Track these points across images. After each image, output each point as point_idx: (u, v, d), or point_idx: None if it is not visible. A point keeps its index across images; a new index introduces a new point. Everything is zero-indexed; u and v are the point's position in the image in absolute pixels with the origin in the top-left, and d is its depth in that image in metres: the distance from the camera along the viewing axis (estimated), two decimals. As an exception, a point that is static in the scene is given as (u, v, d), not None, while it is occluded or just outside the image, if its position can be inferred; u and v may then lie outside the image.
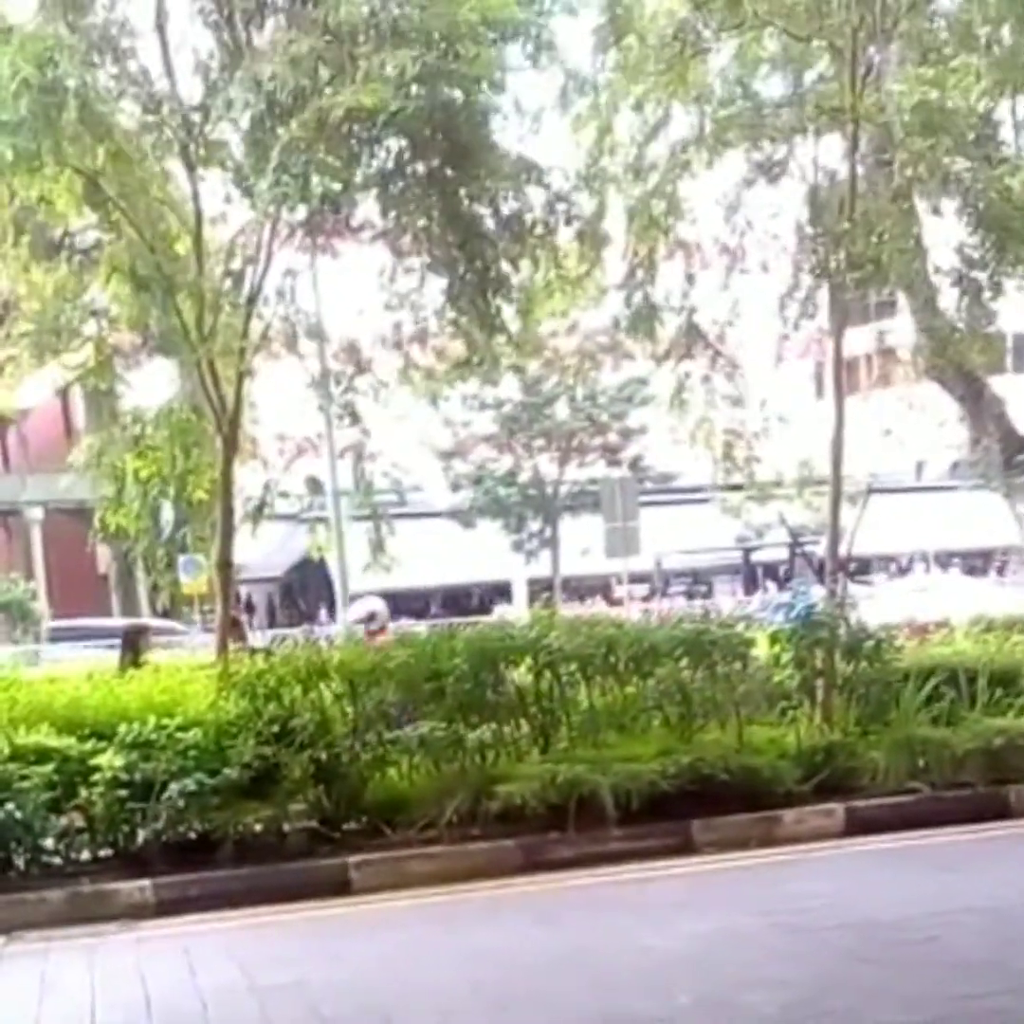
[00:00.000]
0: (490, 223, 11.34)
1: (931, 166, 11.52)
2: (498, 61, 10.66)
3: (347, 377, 12.28)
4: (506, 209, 11.36)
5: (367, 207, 11.53)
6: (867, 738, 10.26)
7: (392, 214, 11.43)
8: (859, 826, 9.49)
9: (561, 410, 35.81)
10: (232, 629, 11.78)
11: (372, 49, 10.05)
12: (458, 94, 10.47)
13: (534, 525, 36.99)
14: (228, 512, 11.27)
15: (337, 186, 10.69)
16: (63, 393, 30.76)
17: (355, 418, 12.51)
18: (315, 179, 10.23)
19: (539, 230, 11.56)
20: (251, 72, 9.98)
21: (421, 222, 11.39)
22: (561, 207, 11.68)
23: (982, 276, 13.70)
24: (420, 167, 11.00)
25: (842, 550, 11.60)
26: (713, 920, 7.48)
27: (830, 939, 7.01)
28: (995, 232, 12.81)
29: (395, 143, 10.83)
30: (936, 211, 13.13)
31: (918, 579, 35.16)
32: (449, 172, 10.92)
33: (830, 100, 11.80)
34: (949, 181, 12.26)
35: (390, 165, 10.99)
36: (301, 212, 10.80)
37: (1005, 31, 11.65)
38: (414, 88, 9.91)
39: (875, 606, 23.57)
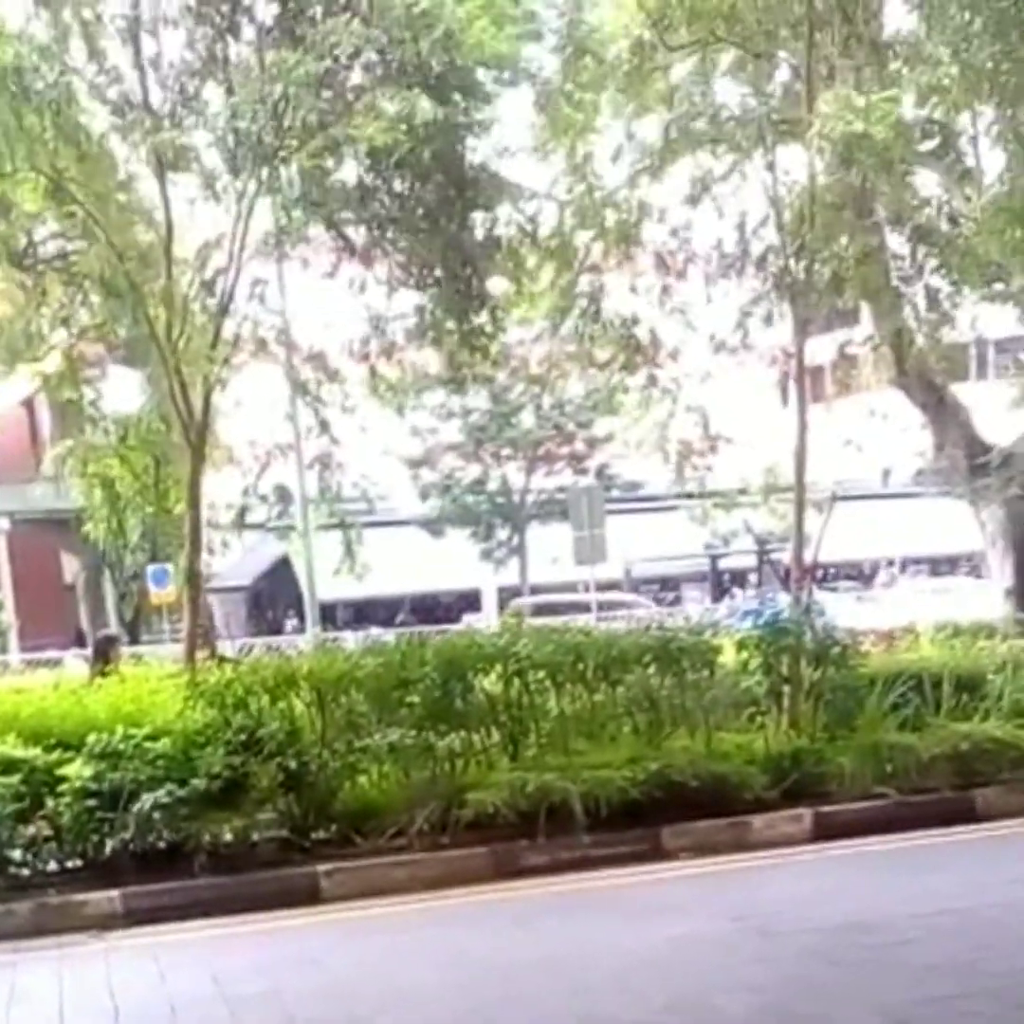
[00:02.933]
0: (470, 241, 11.40)
1: (890, 180, 11.67)
2: (490, 100, 10.84)
3: (315, 387, 12.32)
4: (485, 227, 11.44)
5: (355, 225, 11.58)
6: (834, 744, 10.32)
7: (372, 230, 11.47)
8: (827, 831, 9.54)
9: (528, 419, 35.88)
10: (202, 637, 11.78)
11: (373, 82, 10.14)
12: (460, 138, 10.58)
13: (502, 533, 37.01)
14: (196, 522, 11.25)
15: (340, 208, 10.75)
16: (29, 403, 30.60)
17: (324, 427, 12.55)
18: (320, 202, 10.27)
19: (513, 246, 11.65)
20: (246, 86, 9.96)
21: (397, 238, 11.43)
22: (532, 224, 11.78)
23: (938, 284, 13.90)
24: (403, 186, 11.05)
25: (808, 557, 11.69)
26: (684, 925, 7.51)
27: (800, 943, 7.05)
28: (932, 243, 13.01)
29: (397, 174, 10.90)
30: (874, 224, 13.33)
31: (937, 582, 35.44)
32: (434, 192, 10.98)
33: (785, 113, 11.94)
34: (902, 195, 12.44)
35: (380, 185, 11.04)
36: (275, 223, 10.82)
37: (971, 46, 11.77)
38: (423, 132, 9.99)
39: (879, 609, 23.81)
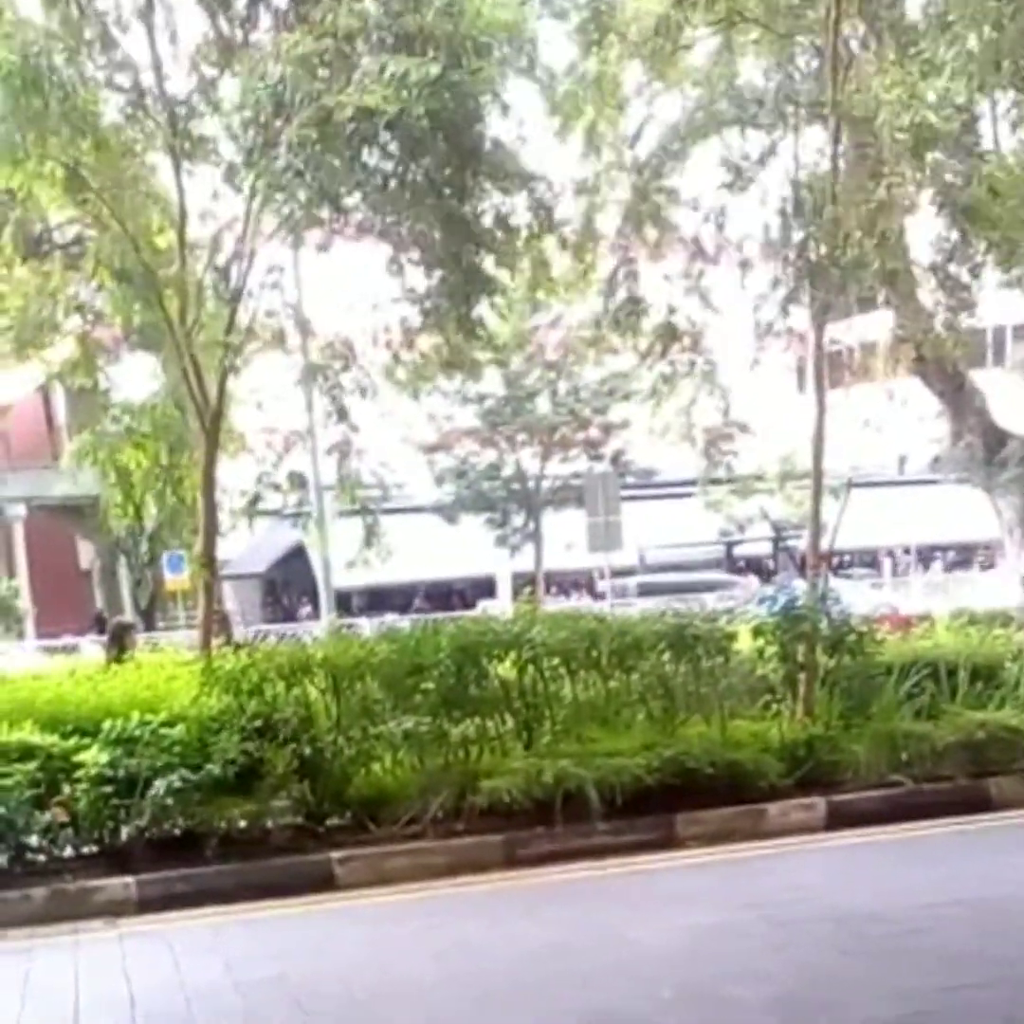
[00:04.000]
0: (480, 226, 11.31)
1: (913, 161, 11.57)
2: (498, 72, 10.69)
3: (334, 373, 12.27)
4: (497, 212, 11.34)
5: (356, 204, 11.49)
6: (849, 731, 10.29)
7: (384, 214, 11.39)
8: (842, 819, 9.52)
9: (543, 404, 35.79)
10: (219, 624, 11.80)
11: (373, 53, 10.04)
12: (459, 102, 10.44)
13: (517, 520, 36.95)
14: (211, 508, 11.25)
15: (332, 183, 10.63)
16: (44, 390, 30.68)
17: (343, 414, 12.51)
18: (311, 176, 10.18)
19: (527, 233, 11.56)
20: (257, 70, 9.89)
21: (411, 222, 11.34)
22: (548, 210, 11.68)
23: (960, 270, 13.79)
24: (415, 169, 10.95)
25: (824, 544, 11.64)
26: (697, 914, 7.51)
27: (813, 932, 7.04)
28: (976, 223, 12.87)
29: (393, 145, 10.79)
30: (913, 205, 13.21)
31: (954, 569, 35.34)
32: (444, 175, 10.87)
33: (811, 95, 11.85)
34: (929, 175, 12.32)
35: (387, 166, 10.95)
36: (291, 208, 10.74)
37: (986, 27, 11.66)
38: (414, 92, 9.85)
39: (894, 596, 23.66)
